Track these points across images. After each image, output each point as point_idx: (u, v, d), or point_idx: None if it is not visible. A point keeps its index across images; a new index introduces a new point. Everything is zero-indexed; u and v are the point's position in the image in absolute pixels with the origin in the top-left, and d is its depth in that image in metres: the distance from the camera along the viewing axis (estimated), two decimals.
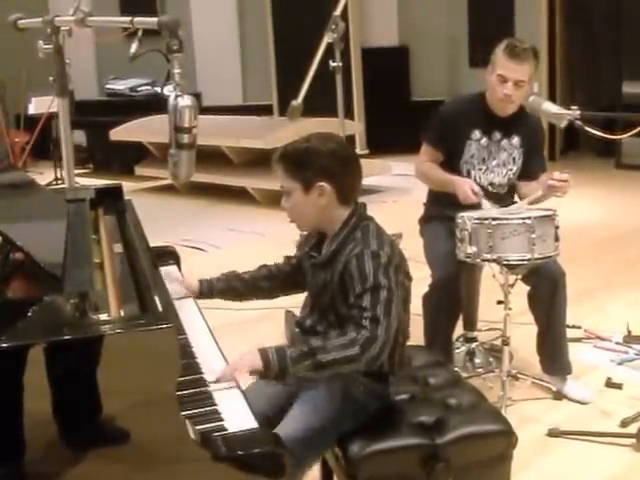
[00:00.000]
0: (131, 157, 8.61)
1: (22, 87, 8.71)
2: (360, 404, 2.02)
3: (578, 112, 2.78)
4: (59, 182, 8.00)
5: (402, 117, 9.14)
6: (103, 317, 1.48)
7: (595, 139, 9.51)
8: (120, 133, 8.38)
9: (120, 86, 9.55)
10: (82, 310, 1.45)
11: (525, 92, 3.12)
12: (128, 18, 2.38)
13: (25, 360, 1.34)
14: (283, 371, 1.78)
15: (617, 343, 3.72)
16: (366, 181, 8.20)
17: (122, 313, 1.54)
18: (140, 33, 2.34)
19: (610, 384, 3.30)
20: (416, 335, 3.25)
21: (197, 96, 10.06)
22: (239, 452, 1.43)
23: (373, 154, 8.49)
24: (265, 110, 9.59)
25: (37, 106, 8.16)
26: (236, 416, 1.56)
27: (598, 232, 5.94)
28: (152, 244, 2.73)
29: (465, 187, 3.11)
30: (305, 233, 2.28)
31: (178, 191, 8.19)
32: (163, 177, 8.16)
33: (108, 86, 9.73)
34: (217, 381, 1.69)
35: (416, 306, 3.30)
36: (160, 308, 1.51)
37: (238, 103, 10.16)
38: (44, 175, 8.24)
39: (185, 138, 2.35)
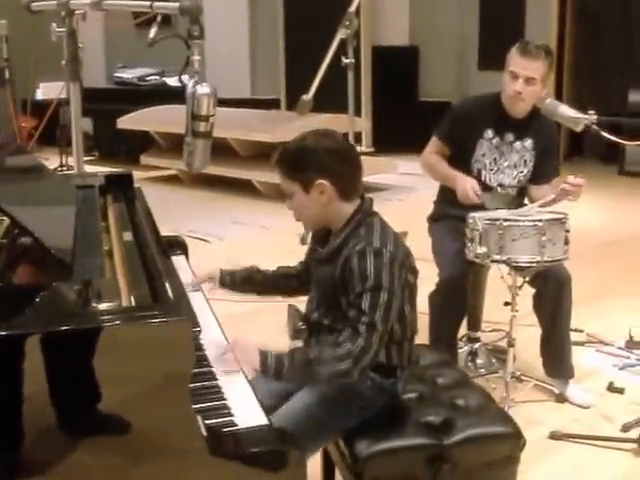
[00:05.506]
0: (137, 146, 8.59)
1: (30, 72, 8.68)
2: (367, 399, 2.00)
3: (595, 117, 2.77)
4: (64, 169, 8.01)
5: (409, 116, 9.12)
6: (114, 306, 1.44)
7: (599, 145, 9.42)
8: (127, 122, 8.38)
9: (128, 75, 9.52)
10: (88, 299, 1.42)
11: (536, 91, 3.13)
12: (147, 2, 2.33)
13: (23, 349, 1.30)
14: (278, 377, 1.82)
15: (619, 348, 3.72)
16: (372, 179, 8.14)
17: (133, 302, 1.49)
18: (159, 19, 2.30)
19: (612, 389, 3.30)
20: (421, 333, 3.24)
21: None
22: (247, 450, 1.40)
23: (379, 152, 8.49)
24: (272, 104, 9.57)
25: (45, 92, 8.15)
26: (246, 411, 1.54)
27: (600, 237, 5.92)
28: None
29: (467, 186, 3.10)
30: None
31: (183, 181, 8.17)
32: (168, 167, 8.14)
33: (116, 74, 9.70)
34: (223, 353, 1.71)
35: (423, 305, 3.29)
36: (172, 298, 1.48)
37: (246, 96, 10.13)
38: (50, 161, 8.22)
39: (202, 126, 2.32)
